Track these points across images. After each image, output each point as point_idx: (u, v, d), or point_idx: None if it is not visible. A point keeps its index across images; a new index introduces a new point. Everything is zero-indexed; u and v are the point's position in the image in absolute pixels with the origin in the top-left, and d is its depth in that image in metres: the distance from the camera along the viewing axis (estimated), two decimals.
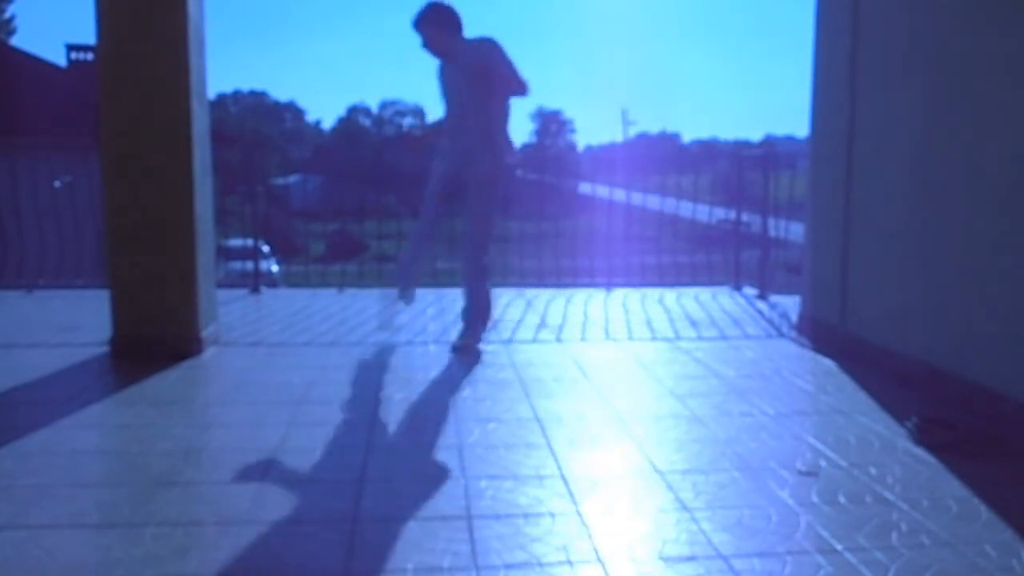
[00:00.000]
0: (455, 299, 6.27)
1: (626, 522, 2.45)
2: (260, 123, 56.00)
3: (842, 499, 2.57)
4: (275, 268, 13.99)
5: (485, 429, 3.25)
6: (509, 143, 4.61)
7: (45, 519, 2.41)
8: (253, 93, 72.53)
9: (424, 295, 6.32)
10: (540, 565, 2.15)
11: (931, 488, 2.66)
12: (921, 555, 2.20)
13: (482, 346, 4.67)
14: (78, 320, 5.34)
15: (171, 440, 3.12)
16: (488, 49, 4.42)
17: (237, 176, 8.32)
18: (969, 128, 3.60)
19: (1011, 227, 3.32)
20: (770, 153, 7.54)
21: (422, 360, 4.45)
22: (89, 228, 7.04)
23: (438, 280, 6.93)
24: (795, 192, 6.73)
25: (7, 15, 33.66)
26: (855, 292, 4.56)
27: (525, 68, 4.44)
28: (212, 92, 5.26)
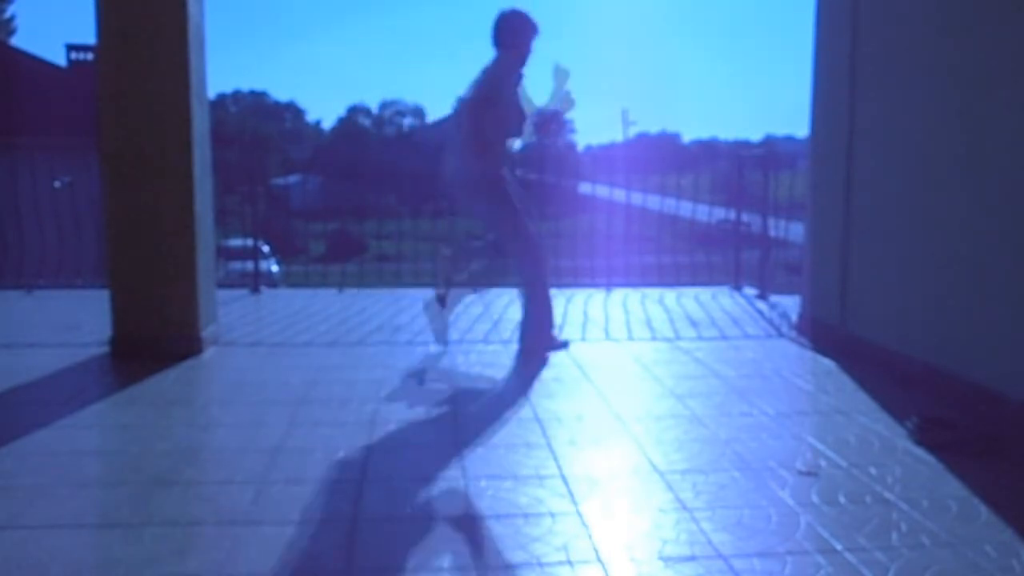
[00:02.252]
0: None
1: (626, 522, 2.45)
2: (260, 123, 55.93)
3: (842, 499, 2.57)
4: (275, 268, 13.98)
5: (485, 429, 3.25)
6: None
7: (45, 519, 2.41)
8: (253, 93, 72.46)
9: (424, 295, 6.32)
10: (540, 565, 2.15)
11: (931, 488, 2.66)
12: (921, 555, 2.20)
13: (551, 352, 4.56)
14: (78, 320, 5.34)
15: (171, 440, 3.12)
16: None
17: (237, 176, 8.32)
18: (969, 127, 3.60)
19: (1011, 226, 3.32)
20: (770, 153, 7.54)
21: (422, 360, 4.45)
22: (89, 228, 7.04)
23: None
24: (795, 192, 6.73)
25: (7, 15, 33.64)
26: (855, 292, 4.56)
27: (526, 68, 4.44)
28: (212, 92, 5.26)
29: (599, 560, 2.18)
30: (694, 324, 5.46)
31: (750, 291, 6.77)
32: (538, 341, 4.55)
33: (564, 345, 4.66)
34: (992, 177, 3.45)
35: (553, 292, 4.69)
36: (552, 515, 2.44)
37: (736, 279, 7.07)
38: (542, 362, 4.42)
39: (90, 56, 20.50)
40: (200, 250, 4.46)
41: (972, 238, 3.56)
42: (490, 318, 5.58)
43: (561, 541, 2.28)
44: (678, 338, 5.05)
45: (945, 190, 3.76)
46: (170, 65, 4.29)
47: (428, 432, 3.22)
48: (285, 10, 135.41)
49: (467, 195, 4.50)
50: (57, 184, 8.12)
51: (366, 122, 69.08)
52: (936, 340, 3.81)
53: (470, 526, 2.36)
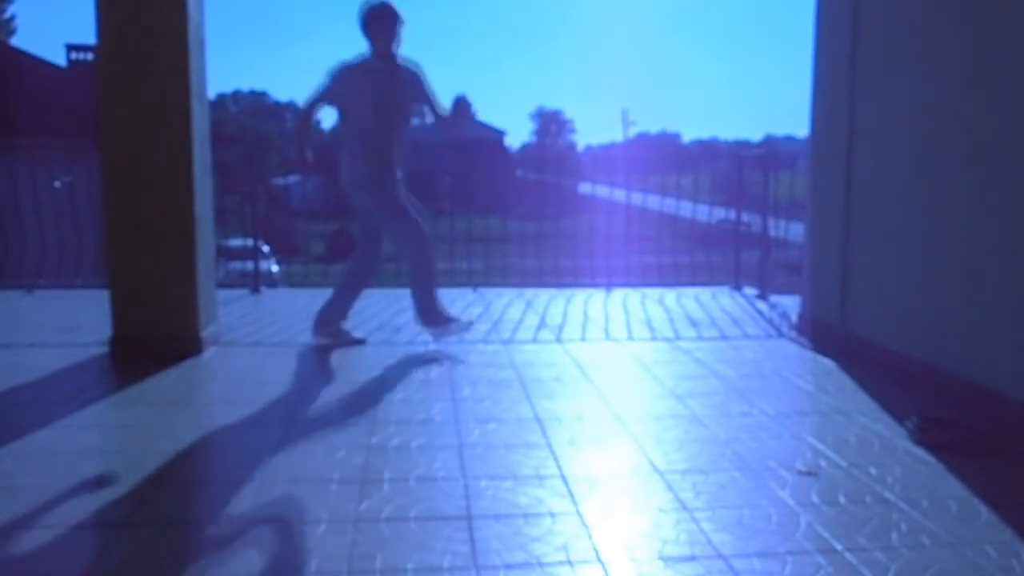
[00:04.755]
0: (453, 300, 6.27)
1: (626, 522, 2.45)
2: (260, 123, 55.94)
3: (842, 499, 2.57)
4: (275, 268, 13.98)
5: (485, 429, 3.24)
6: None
7: (45, 519, 2.41)
8: (253, 93, 72.48)
9: None
10: (540, 565, 2.15)
11: (931, 488, 2.66)
12: (921, 555, 2.20)
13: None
14: (78, 320, 5.34)
15: (171, 440, 3.11)
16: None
17: (237, 176, 8.33)
18: (969, 127, 3.60)
19: (1011, 226, 3.32)
20: (770, 153, 7.54)
21: (422, 360, 4.45)
22: (89, 228, 7.04)
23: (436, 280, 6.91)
24: (795, 192, 6.73)
25: (7, 15, 33.67)
26: (855, 292, 4.56)
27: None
28: (212, 92, 5.26)
29: (599, 560, 2.18)
30: (694, 324, 5.46)
31: (750, 291, 6.77)
32: (433, 308, 4.70)
33: (458, 322, 4.76)
34: (992, 177, 3.45)
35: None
36: (552, 515, 2.44)
37: (736, 279, 7.07)
38: (447, 322, 4.68)
39: (90, 56, 20.49)
40: (200, 250, 4.46)
41: (972, 238, 3.56)
42: (490, 318, 5.58)
43: (561, 541, 2.28)
44: (678, 338, 5.05)
45: (945, 190, 3.76)
46: (170, 65, 4.29)
47: (427, 432, 3.21)
48: (285, 10, 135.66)
49: (358, 191, 4.64)
50: (57, 184, 8.12)
51: None
52: (936, 340, 3.81)
53: (470, 526, 2.36)
